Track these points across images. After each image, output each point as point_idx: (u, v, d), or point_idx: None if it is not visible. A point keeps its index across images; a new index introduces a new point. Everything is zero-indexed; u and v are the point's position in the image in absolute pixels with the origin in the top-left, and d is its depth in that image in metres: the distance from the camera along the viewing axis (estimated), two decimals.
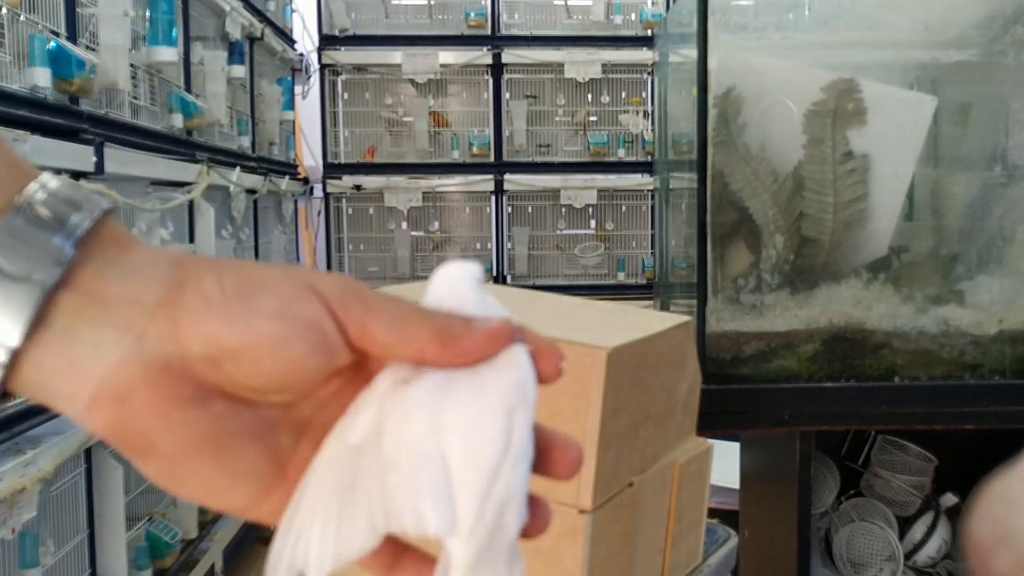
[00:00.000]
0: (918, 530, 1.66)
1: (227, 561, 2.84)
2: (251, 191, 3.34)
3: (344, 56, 4.22)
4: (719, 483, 1.72)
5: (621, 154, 4.27)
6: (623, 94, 4.34)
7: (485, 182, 4.25)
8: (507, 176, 4.24)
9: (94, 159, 1.92)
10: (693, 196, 1.42)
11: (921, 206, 1.51)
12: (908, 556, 1.65)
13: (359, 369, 0.37)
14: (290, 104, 4.13)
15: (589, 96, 4.33)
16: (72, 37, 1.96)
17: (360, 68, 4.27)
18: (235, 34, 3.19)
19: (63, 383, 0.34)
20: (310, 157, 4.66)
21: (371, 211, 4.34)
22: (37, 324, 0.33)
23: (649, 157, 4.22)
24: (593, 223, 4.39)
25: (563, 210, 4.34)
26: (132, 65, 2.24)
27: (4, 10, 1.73)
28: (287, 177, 3.94)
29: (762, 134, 1.44)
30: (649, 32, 4.22)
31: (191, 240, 2.68)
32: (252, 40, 3.53)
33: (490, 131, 4.26)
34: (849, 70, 1.44)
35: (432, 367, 0.36)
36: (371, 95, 4.32)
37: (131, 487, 2.25)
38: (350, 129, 4.33)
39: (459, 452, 0.34)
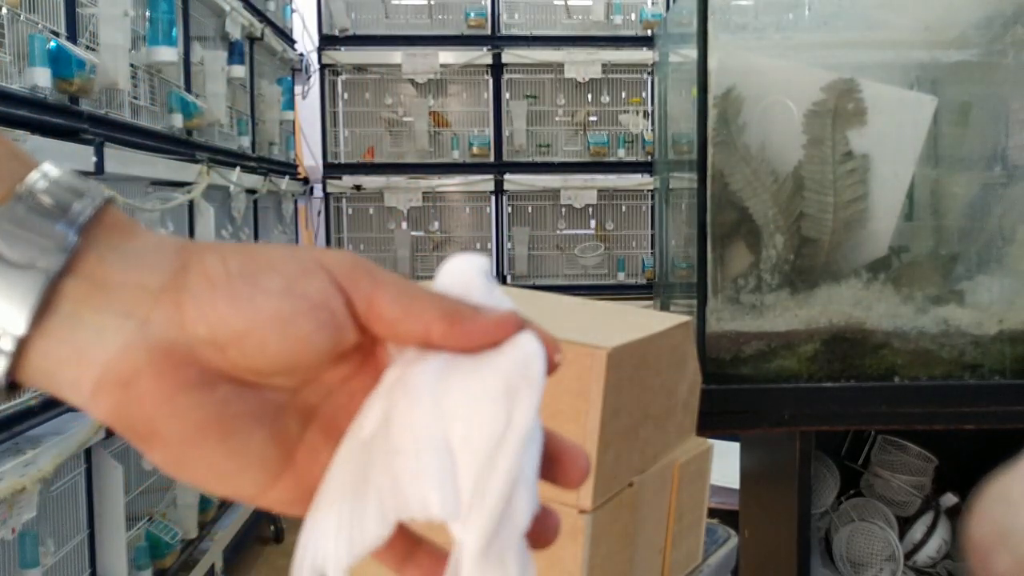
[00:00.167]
0: (918, 530, 1.66)
1: (227, 561, 2.85)
2: (251, 191, 3.34)
3: (344, 56, 4.23)
4: (719, 483, 1.72)
5: (621, 154, 4.27)
6: (623, 94, 4.34)
7: (485, 182, 4.25)
8: (507, 176, 4.24)
9: (94, 159, 1.92)
10: (693, 196, 1.42)
11: (921, 206, 1.51)
12: (908, 556, 1.65)
13: (367, 357, 0.37)
14: (290, 104, 4.13)
15: (589, 96, 4.33)
16: (72, 37, 1.96)
17: (360, 68, 4.27)
18: (235, 34, 3.19)
19: (68, 370, 0.34)
20: (310, 157, 4.66)
21: (371, 211, 4.34)
22: (42, 312, 0.33)
23: (649, 157, 4.22)
24: (593, 223, 4.39)
25: (563, 210, 4.34)
26: (132, 65, 2.24)
27: (4, 10, 1.73)
28: (287, 177, 3.94)
29: (762, 134, 1.44)
30: (649, 32, 4.22)
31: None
32: (252, 40, 3.53)
33: (490, 131, 4.26)
34: (849, 70, 1.44)
35: (438, 348, 0.35)
36: (371, 95, 4.32)
37: (131, 487, 2.25)
38: (350, 129, 4.33)
39: (460, 433, 0.33)
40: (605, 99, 4.32)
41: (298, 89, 4.47)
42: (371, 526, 0.33)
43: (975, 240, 1.49)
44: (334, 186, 4.23)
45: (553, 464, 0.36)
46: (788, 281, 1.43)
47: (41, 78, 1.77)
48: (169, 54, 2.41)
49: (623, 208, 4.36)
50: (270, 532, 3.46)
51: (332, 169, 4.26)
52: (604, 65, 4.19)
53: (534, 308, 1.09)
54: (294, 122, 4.36)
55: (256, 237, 3.50)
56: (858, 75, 1.43)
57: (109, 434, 2.02)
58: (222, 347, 0.34)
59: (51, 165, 0.35)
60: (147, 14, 2.39)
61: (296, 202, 4.34)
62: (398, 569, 0.37)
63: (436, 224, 4.36)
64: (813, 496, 1.60)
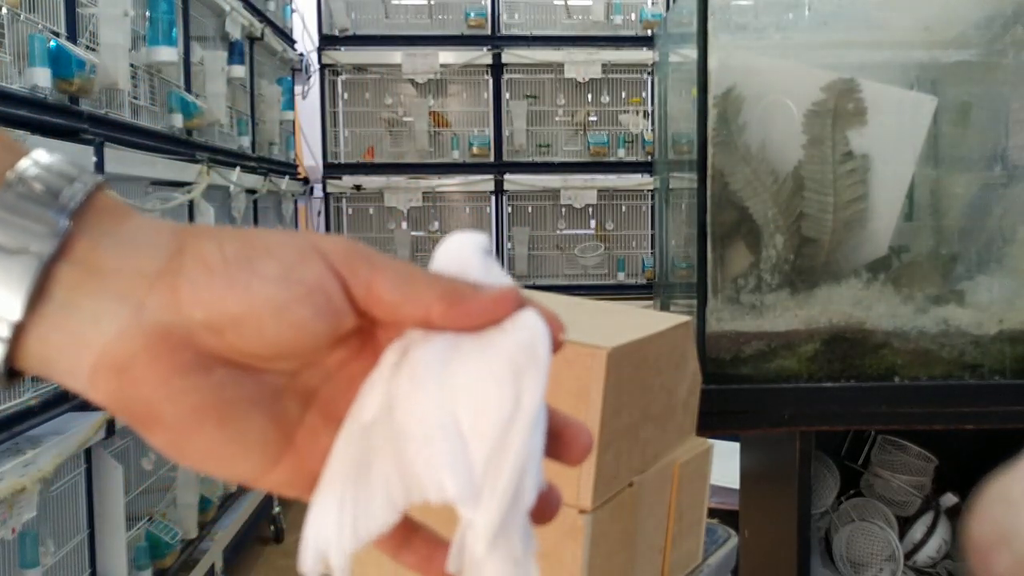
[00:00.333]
0: (918, 530, 1.66)
1: (227, 561, 2.84)
2: (251, 191, 3.34)
3: (344, 56, 4.23)
4: (719, 483, 1.72)
5: (621, 154, 4.27)
6: (623, 94, 4.34)
7: (485, 182, 4.25)
8: (507, 176, 4.24)
9: (94, 159, 1.92)
10: (693, 196, 1.42)
11: (921, 206, 1.51)
12: (908, 556, 1.65)
13: (366, 340, 0.37)
14: (290, 104, 4.13)
15: (589, 96, 4.33)
16: (72, 37, 1.96)
17: (360, 68, 4.27)
18: (235, 34, 3.19)
19: (64, 356, 0.34)
20: (310, 157, 4.66)
21: (371, 211, 4.34)
22: (37, 297, 0.33)
23: (649, 157, 4.22)
24: (593, 223, 4.39)
25: (563, 210, 4.34)
26: (132, 65, 2.24)
27: (4, 10, 1.73)
28: (287, 177, 3.94)
29: (762, 134, 1.44)
30: (649, 32, 4.22)
31: None
32: (252, 40, 3.53)
33: (490, 131, 4.26)
34: (849, 70, 1.44)
35: (439, 330, 0.35)
36: (371, 95, 4.32)
37: (131, 487, 2.25)
38: (350, 129, 4.33)
39: (468, 416, 0.33)
40: (605, 99, 4.32)
41: (298, 89, 4.47)
42: (378, 511, 0.33)
43: (975, 240, 1.49)
44: (334, 186, 4.23)
45: (556, 440, 0.36)
46: (788, 281, 1.43)
47: (41, 78, 1.77)
48: (169, 54, 2.41)
49: (623, 208, 4.36)
50: (270, 532, 3.45)
51: (332, 169, 4.26)
52: (604, 65, 4.19)
53: None
54: (294, 122, 4.36)
55: None
56: (858, 75, 1.43)
57: (109, 434, 2.02)
58: (219, 331, 0.34)
59: (44, 152, 0.35)
60: (147, 14, 2.39)
61: (296, 202, 4.34)
62: (395, 555, 0.37)
63: (436, 224, 4.36)
64: (813, 496, 1.60)
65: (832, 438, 1.76)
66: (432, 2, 4.24)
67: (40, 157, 0.35)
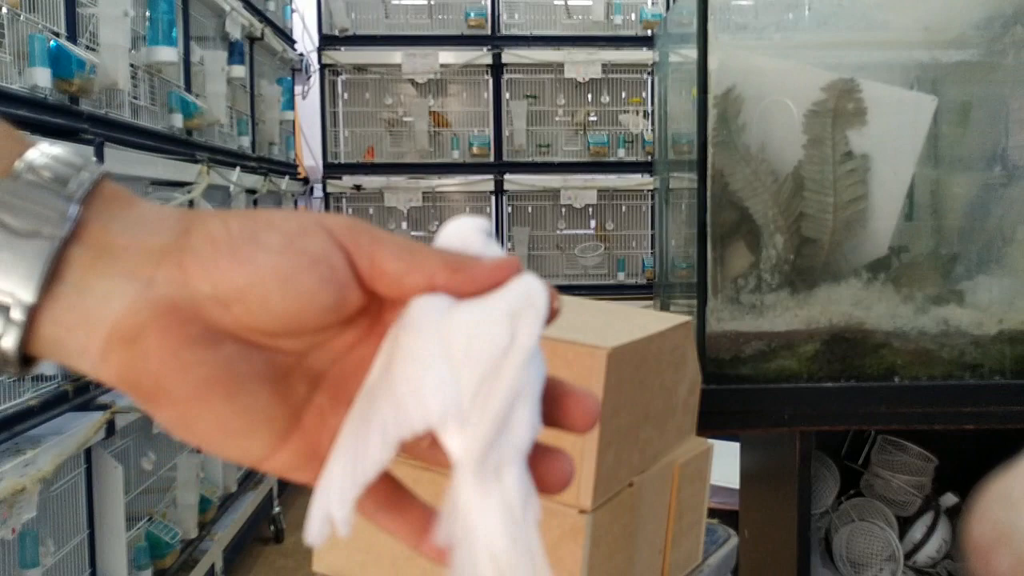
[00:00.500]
0: (918, 530, 1.66)
1: (227, 561, 2.84)
2: (251, 191, 3.34)
3: (344, 56, 4.23)
4: (719, 483, 1.72)
5: (621, 154, 4.27)
6: (623, 94, 4.34)
7: (485, 182, 4.25)
8: (507, 176, 4.24)
9: (94, 159, 1.92)
10: (693, 196, 1.42)
11: (921, 206, 1.51)
12: (908, 556, 1.65)
13: (374, 323, 0.37)
14: (290, 104, 4.13)
15: (589, 96, 4.33)
16: (72, 37, 1.96)
17: (360, 68, 4.27)
18: (235, 34, 3.19)
19: (76, 336, 0.34)
20: (310, 157, 4.66)
21: (371, 211, 4.34)
22: (50, 280, 0.33)
23: (649, 157, 4.23)
24: (593, 223, 4.39)
25: (563, 210, 4.34)
26: (132, 65, 2.24)
27: (4, 10, 1.73)
28: (287, 177, 3.94)
29: (762, 134, 1.44)
30: (649, 32, 4.22)
31: None
32: (252, 40, 3.53)
33: (490, 131, 4.26)
34: (849, 70, 1.44)
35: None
36: (371, 95, 4.32)
37: (131, 487, 2.25)
38: (350, 129, 4.34)
39: (461, 348, 0.34)
40: (605, 99, 4.32)
41: (298, 89, 4.47)
42: (373, 451, 0.33)
43: (975, 240, 1.49)
44: (334, 186, 4.23)
45: (559, 406, 0.36)
46: (788, 281, 1.43)
47: (41, 78, 1.77)
48: (169, 54, 2.41)
49: (623, 208, 4.36)
50: (270, 532, 3.45)
51: (332, 169, 4.26)
52: (604, 65, 4.19)
53: None
54: (294, 122, 4.36)
55: None
56: (858, 75, 1.43)
57: (109, 434, 2.02)
58: (226, 304, 0.34)
59: (49, 143, 0.36)
60: (147, 14, 2.39)
61: (296, 202, 4.34)
62: (390, 527, 0.37)
63: (436, 224, 4.36)
64: (813, 496, 1.61)
65: (832, 438, 1.76)
66: (432, 2, 4.24)
67: (47, 147, 0.36)
